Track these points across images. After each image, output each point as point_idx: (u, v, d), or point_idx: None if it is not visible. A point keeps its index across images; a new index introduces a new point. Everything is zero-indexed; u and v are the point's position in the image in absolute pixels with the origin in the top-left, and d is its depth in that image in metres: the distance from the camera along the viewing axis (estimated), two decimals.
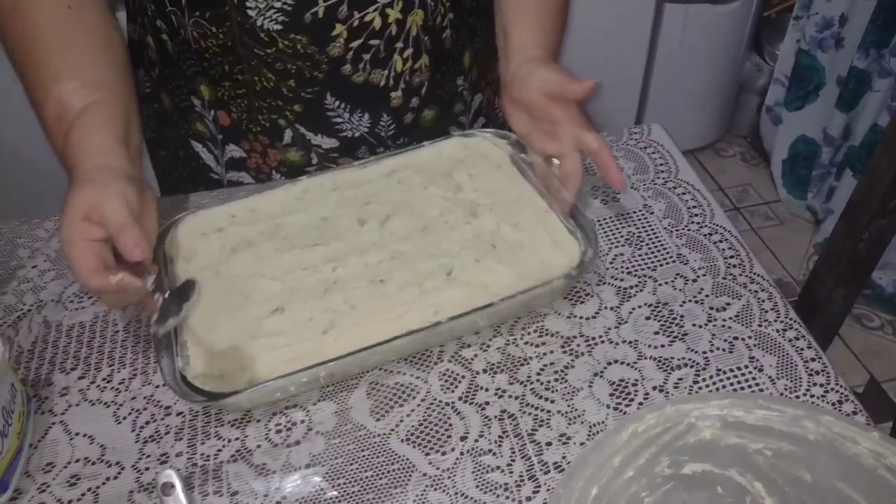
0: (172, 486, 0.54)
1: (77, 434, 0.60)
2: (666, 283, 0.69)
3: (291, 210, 0.72)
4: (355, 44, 0.72)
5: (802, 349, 0.63)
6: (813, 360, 0.62)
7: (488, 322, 0.65)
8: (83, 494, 0.56)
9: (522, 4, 0.74)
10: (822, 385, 0.61)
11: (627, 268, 0.71)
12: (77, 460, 0.58)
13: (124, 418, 0.61)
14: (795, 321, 0.65)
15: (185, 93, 0.78)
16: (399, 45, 0.74)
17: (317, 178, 0.75)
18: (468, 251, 0.67)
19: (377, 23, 0.71)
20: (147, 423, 0.61)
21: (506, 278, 0.64)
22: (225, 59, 0.72)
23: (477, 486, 0.55)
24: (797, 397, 0.60)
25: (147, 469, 0.57)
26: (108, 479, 0.57)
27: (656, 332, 0.65)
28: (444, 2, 0.75)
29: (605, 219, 0.75)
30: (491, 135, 0.77)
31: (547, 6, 0.75)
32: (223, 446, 0.59)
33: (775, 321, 0.65)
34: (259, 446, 0.59)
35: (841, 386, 0.60)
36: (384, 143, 0.81)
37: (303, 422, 0.60)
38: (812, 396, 0.60)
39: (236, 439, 0.59)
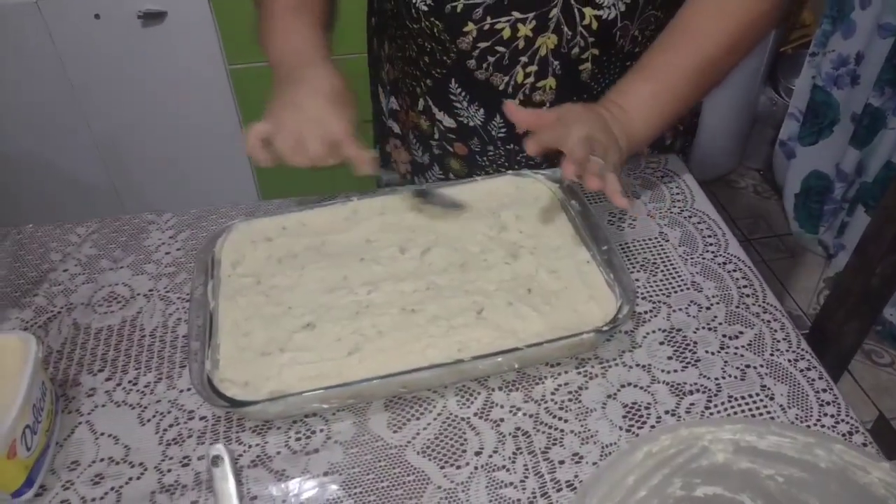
0: (221, 458, 0.57)
1: (102, 434, 0.62)
2: (680, 309, 0.70)
3: (339, 228, 0.74)
4: (483, 45, 0.77)
5: (814, 380, 0.64)
6: (824, 390, 0.63)
7: (511, 366, 0.64)
8: (106, 493, 0.58)
9: (679, 42, 0.73)
10: (832, 416, 0.61)
11: (642, 293, 0.72)
12: (101, 459, 0.60)
13: (148, 420, 0.63)
14: (807, 352, 0.67)
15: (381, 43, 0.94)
16: (524, 59, 0.78)
17: (367, 199, 0.77)
18: (503, 293, 0.67)
19: (506, 33, 0.76)
20: (170, 426, 0.62)
21: (536, 325, 0.64)
22: (394, 23, 0.86)
23: (490, 501, 0.57)
24: (808, 427, 0.61)
25: (169, 471, 0.59)
26: (130, 479, 0.59)
27: (669, 357, 0.66)
28: (587, 36, 0.76)
29: (621, 245, 0.77)
30: (544, 177, 0.78)
31: (697, 67, 0.73)
32: (244, 451, 0.60)
33: (787, 351, 0.67)
34: (279, 453, 0.60)
35: (852, 418, 0.61)
36: (494, 141, 0.85)
37: (322, 431, 0.62)
38: (823, 427, 0.61)
39: (257, 445, 0.61)
